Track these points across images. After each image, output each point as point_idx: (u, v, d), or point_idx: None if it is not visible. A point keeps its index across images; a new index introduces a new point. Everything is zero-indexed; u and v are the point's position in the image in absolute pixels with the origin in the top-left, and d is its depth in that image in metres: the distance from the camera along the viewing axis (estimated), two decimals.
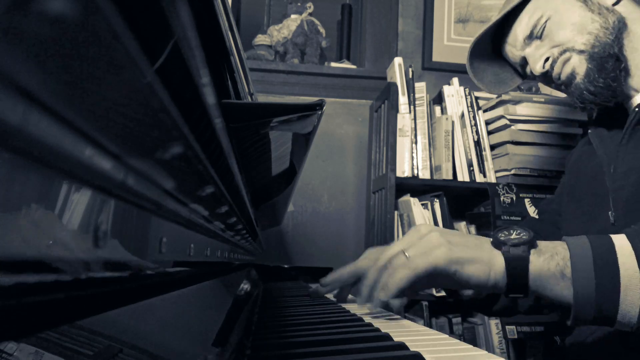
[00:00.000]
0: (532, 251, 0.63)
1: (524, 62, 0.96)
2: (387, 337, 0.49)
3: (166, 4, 0.19)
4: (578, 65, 0.88)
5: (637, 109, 0.83)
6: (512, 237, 0.64)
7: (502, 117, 1.50)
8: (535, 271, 0.62)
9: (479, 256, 0.63)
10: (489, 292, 0.65)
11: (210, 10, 0.31)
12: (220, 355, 0.34)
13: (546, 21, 0.90)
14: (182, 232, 0.34)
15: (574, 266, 0.61)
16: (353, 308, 0.75)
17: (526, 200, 1.49)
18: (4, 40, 0.11)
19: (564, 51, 0.89)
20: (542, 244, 0.65)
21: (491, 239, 0.66)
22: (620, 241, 0.62)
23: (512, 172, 1.49)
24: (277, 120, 0.42)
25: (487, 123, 1.57)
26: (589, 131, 0.96)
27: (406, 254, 0.64)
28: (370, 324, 0.59)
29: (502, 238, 0.65)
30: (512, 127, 1.49)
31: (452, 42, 1.86)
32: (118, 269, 0.22)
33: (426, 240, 0.65)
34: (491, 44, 1.02)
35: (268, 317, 0.66)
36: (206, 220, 0.40)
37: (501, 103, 1.51)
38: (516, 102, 1.49)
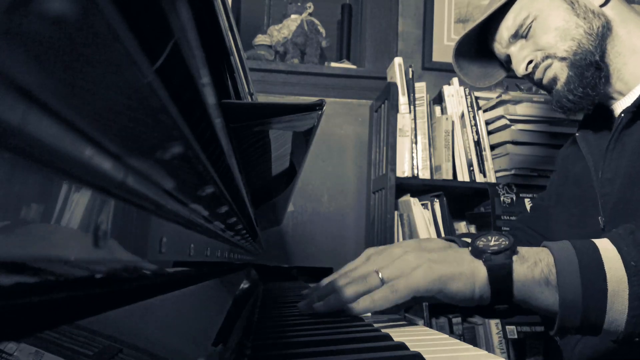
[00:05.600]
0: (515, 258, 0.60)
1: (509, 59, 0.97)
2: (387, 337, 0.49)
3: (166, 4, 0.19)
4: (560, 72, 0.88)
5: (622, 115, 0.83)
6: (492, 243, 0.61)
7: (502, 117, 1.50)
8: (520, 279, 0.59)
9: (461, 270, 0.60)
10: (476, 304, 0.62)
11: (210, 10, 0.31)
12: (220, 355, 0.34)
13: (532, 22, 0.90)
14: (182, 232, 0.34)
15: (559, 273, 0.59)
16: None
17: (526, 200, 1.49)
18: (3, 40, 0.11)
19: (546, 57, 0.89)
20: (523, 250, 0.62)
21: (470, 248, 0.63)
22: (604, 245, 0.60)
23: (512, 172, 1.50)
24: (277, 120, 0.42)
25: (487, 123, 1.57)
26: (577, 134, 0.97)
27: (380, 275, 0.61)
28: (370, 324, 0.59)
29: (481, 246, 0.61)
30: (512, 127, 1.48)
31: (452, 42, 1.85)
32: (118, 269, 0.22)
33: (403, 261, 0.61)
34: (476, 41, 1.02)
35: (268, 317, 0.66)
36: (206, 220, 0.40)
37: (501, 103, 1.51)
38: (516, 102, 1.49)
